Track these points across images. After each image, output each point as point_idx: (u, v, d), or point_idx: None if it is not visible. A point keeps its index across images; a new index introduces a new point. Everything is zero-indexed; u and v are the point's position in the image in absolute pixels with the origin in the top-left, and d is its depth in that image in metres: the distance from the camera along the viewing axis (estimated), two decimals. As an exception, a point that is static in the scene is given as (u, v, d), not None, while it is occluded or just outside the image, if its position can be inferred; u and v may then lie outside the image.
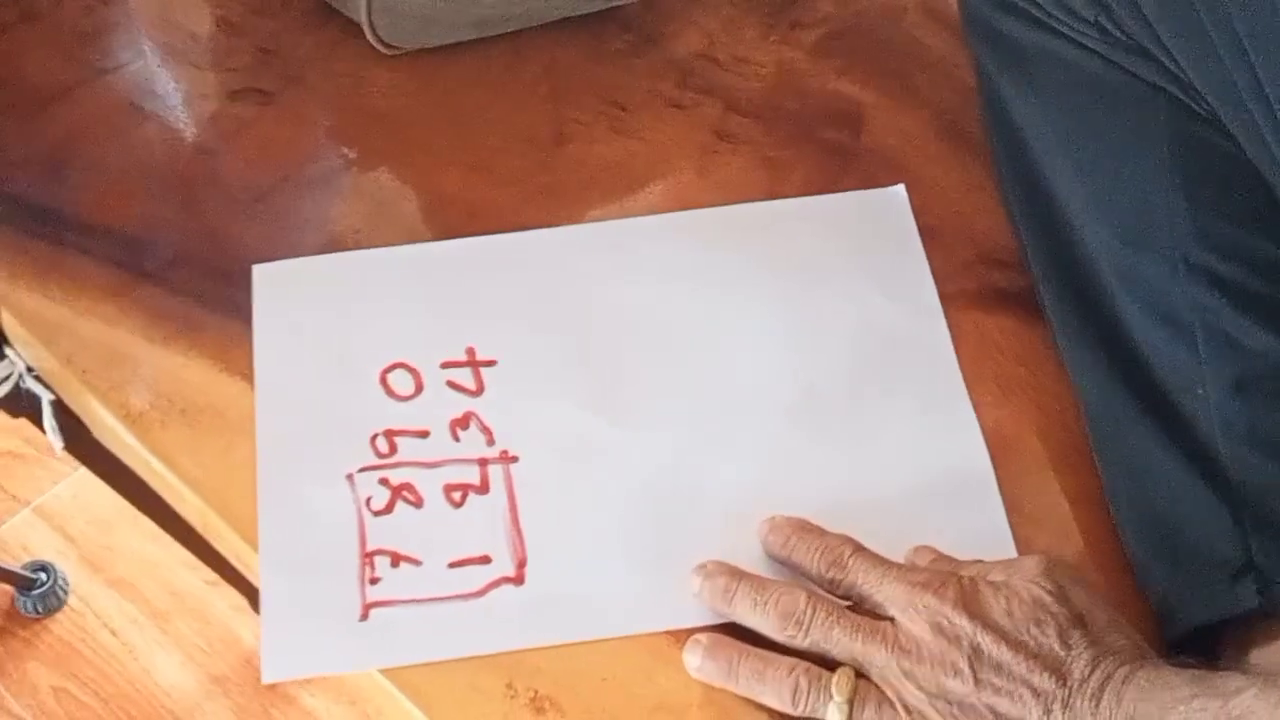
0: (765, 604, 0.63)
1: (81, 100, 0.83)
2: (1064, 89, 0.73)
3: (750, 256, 0.78)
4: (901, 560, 0.66)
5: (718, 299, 0.76)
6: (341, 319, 0.75)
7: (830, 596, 0.64)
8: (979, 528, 0.69)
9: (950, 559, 0.66)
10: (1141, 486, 0.67)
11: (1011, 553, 0.68)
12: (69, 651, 1.64)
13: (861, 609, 0.63)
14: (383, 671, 0.64)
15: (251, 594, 1.58)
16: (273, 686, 1.60)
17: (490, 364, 0.74)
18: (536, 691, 0.63)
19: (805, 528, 0.66)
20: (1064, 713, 0.57)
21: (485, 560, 0.67)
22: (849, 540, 0.65)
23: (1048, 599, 0.60)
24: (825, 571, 0.64)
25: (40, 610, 1.65)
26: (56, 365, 0.73)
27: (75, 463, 1.73)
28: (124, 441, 0.72)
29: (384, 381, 0.73)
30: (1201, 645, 0.63)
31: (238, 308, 0.75)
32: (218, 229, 0.78)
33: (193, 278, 0.76)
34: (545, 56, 0.86)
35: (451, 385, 0.73)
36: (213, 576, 1.55)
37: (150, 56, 0.86)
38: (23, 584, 1.65)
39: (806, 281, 0.77)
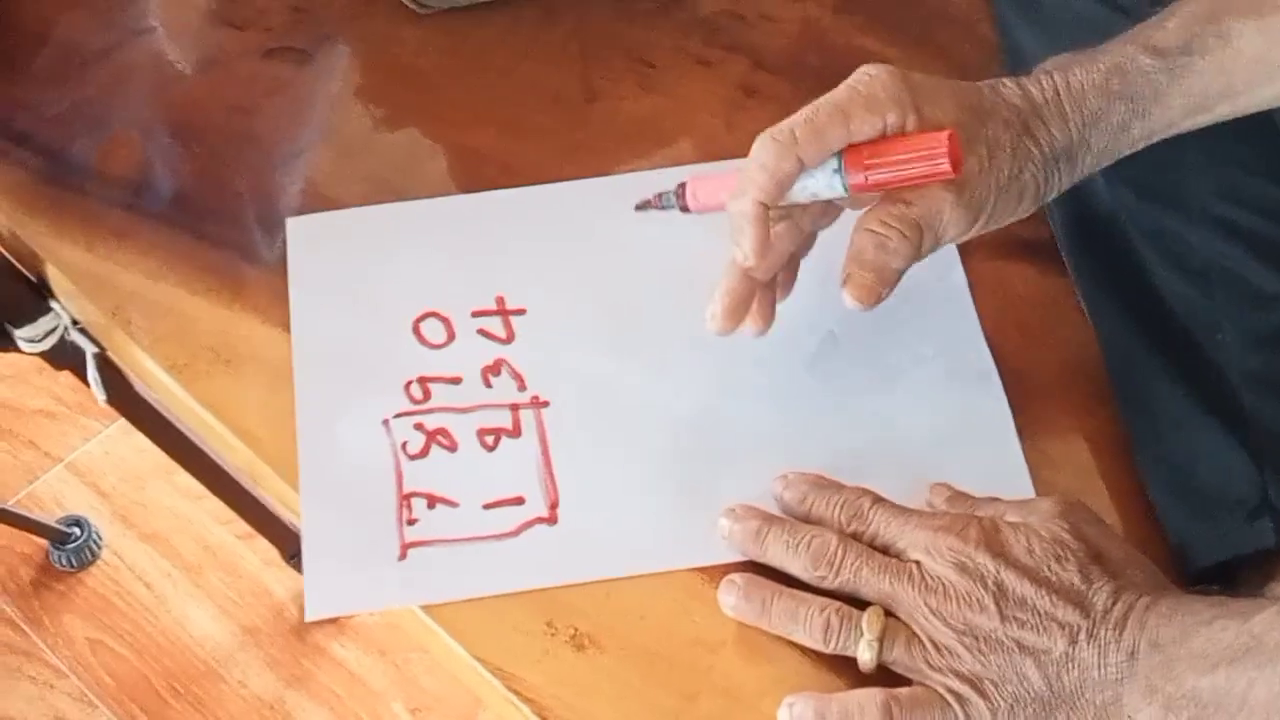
0: (797, 546, 0.65)
1: (121, 60, 0.85)
2: (1086, 44, 0.74)
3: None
4: (925, 490, 0.68)
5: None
6: (374, 269, 0.77)
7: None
8: (999, 472, 0.70)
9: (967, 496, 0.67)
10: (1160, 430, 0.68)
11: (1030, 493, 0.69)
12: (103, 604, 1.67)
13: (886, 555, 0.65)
14: (427, 612, 0.66)
15: (284, 545, 1.61)
16: (303, 637, 1.63)
17: (520, 312, 0.75)
18: (576, 629, 0.65)
19: (821, 483, 0.68)
20: (1089, 642, 0.59)
21: (519, 501, 0.69)
22: (867, 492, 0.67)
23: (1066, 536, 0.62)
24: (847, 525, 0.66)
25: (74, 564, 1.67)
26: (102, 318, 0.75)
27: (106, 420, 1.77)
28: (170, 392, 0.74)
29: (417, 330, 0.75)
30: (1219, 586, 0.65)
31: (277, 260, 0.77)
32: (256, 184, 0.80)
33: (233, 232, 0.78)
34: (574, 15, 0.87)
35: (482, 333, 0.75)
36: (243, 530, 1.58)
37: (187, 17, 0.87)
38: (57, 538, 1.67)
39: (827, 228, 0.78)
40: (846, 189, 0.64)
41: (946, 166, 0.61)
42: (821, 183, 0.64)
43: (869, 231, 0.63)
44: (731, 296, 0.67)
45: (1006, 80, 0.66)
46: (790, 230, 0.69)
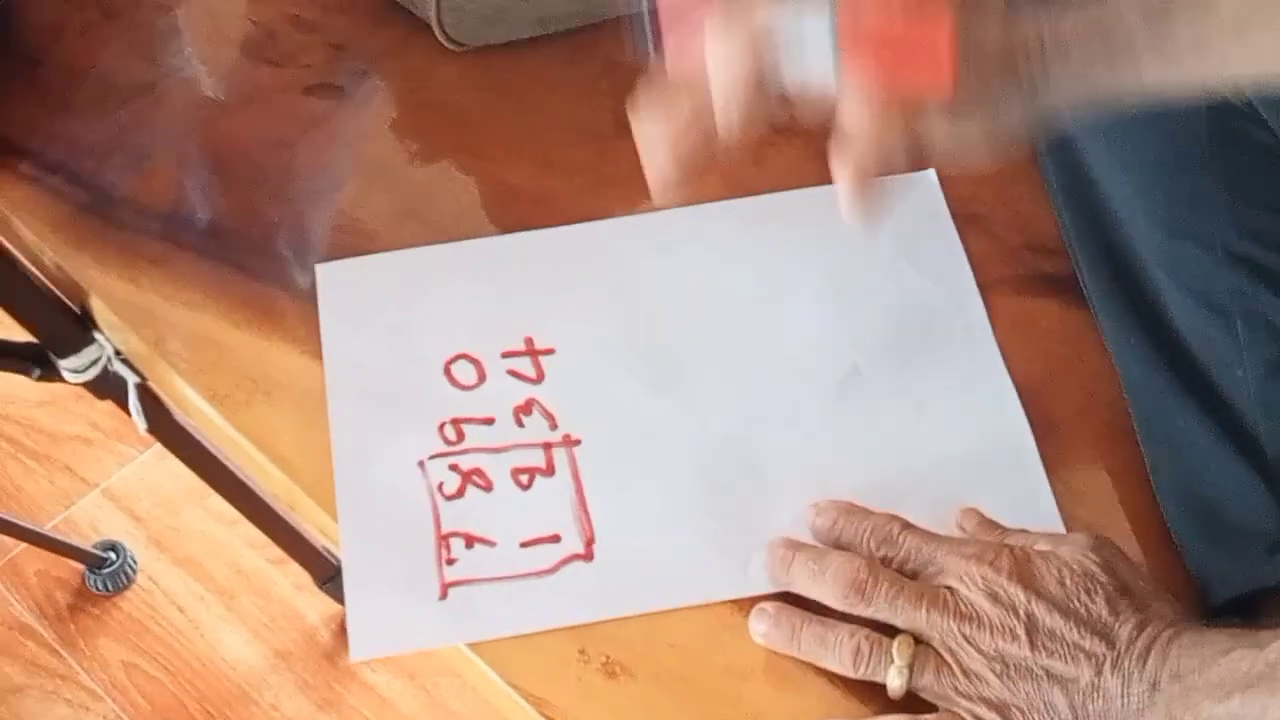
0: (824, 573, 0.65)
1: (161, 95, 0.87)
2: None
3: (796, 242, 0.80)
4: (951, 520, 0.69)
5: (765, 283, 0.79)
6: (404, 314, 0.78)
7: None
8: (1026, 503, 0.71)
9: (996, 525, 0.68)
10: (1182, 464, 0.69)
11: (1058, 528, 0.70)
12: (138, 628, 1.69)
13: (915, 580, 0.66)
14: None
15: (316, 570, 1.62)
16: (334, 661, 1.64)
17: (549, 352, 0.77)
18: (608, 656, 0.67)
19: (851, 509, 0.69)
20: (1114, 672, 0.59)
21: (555, 539, 0.70)
22: (896, 518, 0.68)
23: (1096, 570, 0.62)
24: (876, 549, 0.67)
25: (110, 588, 1.69)
26: (144, 348, 0.77)
27: (141, 446, 1.79)
28: (210, 421, 0.75)
29: (448, 372, 0.76)
30: (1241, 619, 0.65)
31: (315, 293, 0.78)
32: (294, 218, 0.81)
33: (271, 264, 0.79)
34: (604, 52, 0.88)
35: (512, 374, 0.76)
36: (276, 555, 1.59)
37: (227, 53, 0.89)
38: (93, 562, 1.69)
39: (849, 263, 0.79)
40: (836, 46, 0.59)
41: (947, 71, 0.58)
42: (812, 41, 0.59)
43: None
44: (688, 161, 0.64)
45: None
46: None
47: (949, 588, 0.64)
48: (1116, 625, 0.61)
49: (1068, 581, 0.62)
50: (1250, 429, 0.67)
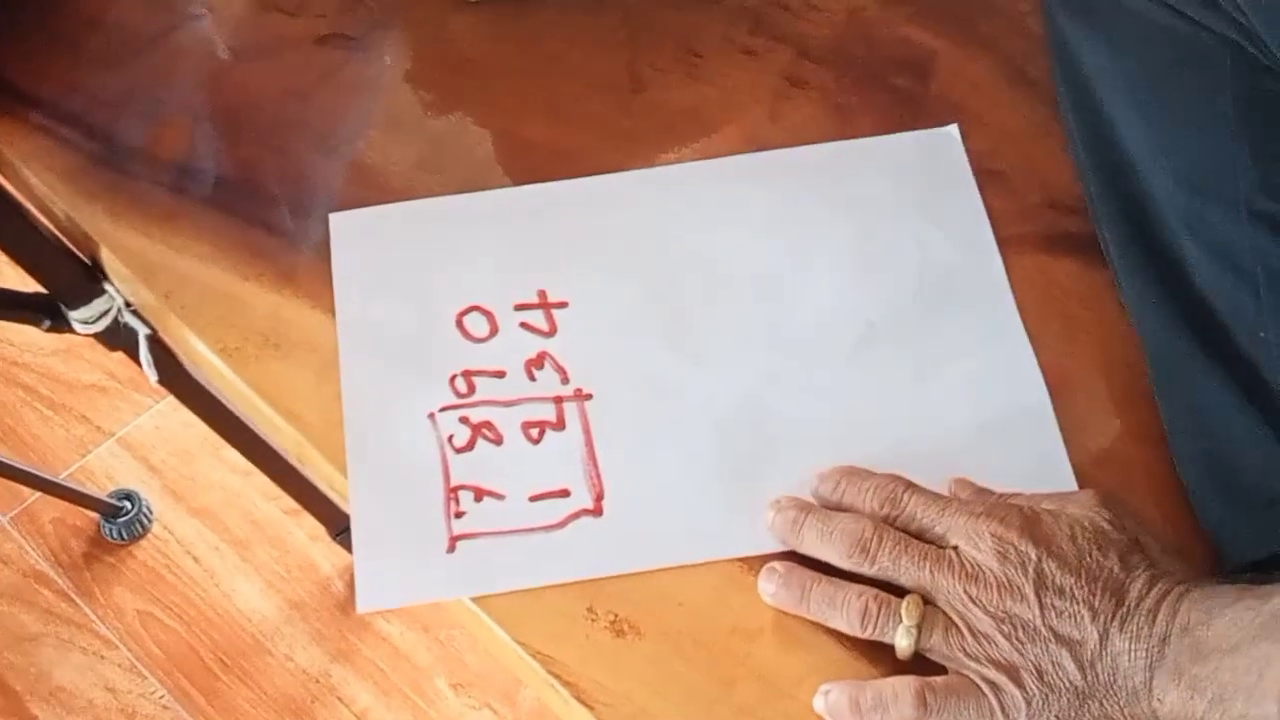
0: (831, 533, 0.65)
1: (175, 45, 0.86)
2: (1131, 37, 0.74)
3: (813, 198, 0.79)
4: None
5: (782, 238, 0.78)
6: (417, 265, 0.77)
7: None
8: (1040, 464, 0.71)
9: (990, 491, 0.68)
10: (1201, 425, 0.68)
11: (1073, 487, 0.70)
12: (153, 577, 1.70)
13: (922, 541, 0.65)
14: (470, 597, 0.67)
15: (330, 521, 1.62)
16: (348, 612, 1.65)
17: (562, 305, 0.76)
18: (616, 615, 0.67)
19: (853, 471, 0.69)
20: (1121, 631, 0.59)
21: (564, 494, 0.70)
22: (899, 478, 0.67)
23: (1107, 526, 0.62)
24: (880, 509, 0.66)
25: (125, 537, 1.70)
26: (155, 301, 0.77)
27: (157, 396, 1.80)
28: (221, 374, 0.75)
29: (460, 324, 0.75)
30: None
31: (327, 247, 0.78)
32: (307, 171, 0.81)
33: (284, 218, 0.79)
34: (622, 4, 0.88)
35: (525, 326, 0.75)
36: (290, 505, 1.60)
37: (240, 2, 0.88)
38: (109, 511, 1.70)
39: (867, 220, 0.78)
40: None
41: None
42: None
43: None
44: None
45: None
46: None
47: (955, 547, 0.63)
48: (1128, 581, 0.60)
49: (1079, 538, 0.62)
50: (1271, 392, 0.66)
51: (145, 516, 1.72)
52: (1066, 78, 0.79)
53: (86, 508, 1.70)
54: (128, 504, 1.71)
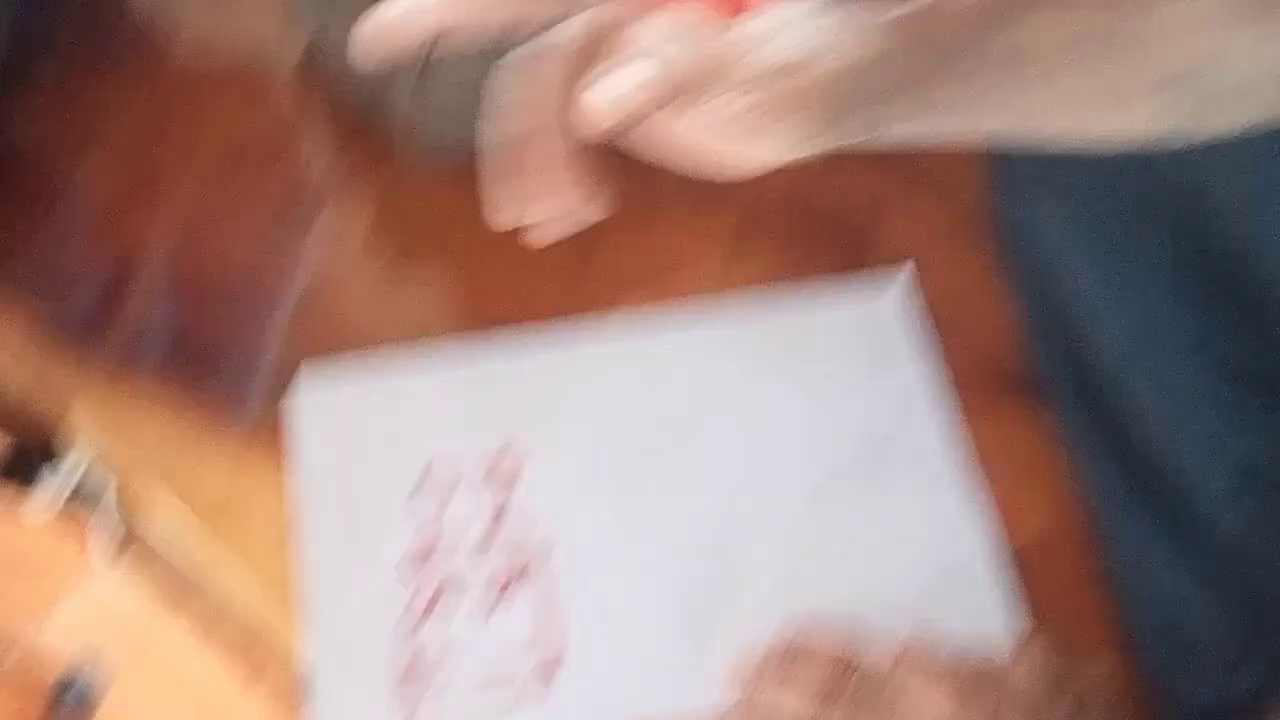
0: None
1: (135, 218, 0.87)
2: (1078, 188, 0.75)
3: (766, 347, 0.80)
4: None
5: (734, 389, 0.79)
6: (382, 418, 0.78)
7: None
8: (988, 615, 0.71)
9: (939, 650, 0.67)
10: (1145, 575, 0.68)
11: (1021, 637, 0.69)
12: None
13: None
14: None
15: (287, 693, 1.58)
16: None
17: (525, 456, 0.76)
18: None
19: (788, 659, 0.68)
20: None
21: (531, 645, 0.70)
22: (838, 660, 0.66)
23: (1047, 698, 0.62)
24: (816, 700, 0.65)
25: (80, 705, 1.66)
26: (114, 469, 0.77)
27: (115, 560, 1.76)
28: (180, 532, 0.74)
29: (425, 478, 0.76)
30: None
31: (287, 405, 0.78)
32: (267, 337, 0.82)
33: (248, 379, 0.79)
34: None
35: (490, 478, 0.75)
36: (248, 672, 1.56)
37: (199, 167, 0.89)
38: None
39: (819, 369, 0.80)
40: None
41: None
42: None
43: None
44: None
45: None
46: None
47: None
48: None
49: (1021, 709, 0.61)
50: (1216, 538, 0.66)
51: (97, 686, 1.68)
52: (1011, 232, 0.80)
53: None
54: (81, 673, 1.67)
